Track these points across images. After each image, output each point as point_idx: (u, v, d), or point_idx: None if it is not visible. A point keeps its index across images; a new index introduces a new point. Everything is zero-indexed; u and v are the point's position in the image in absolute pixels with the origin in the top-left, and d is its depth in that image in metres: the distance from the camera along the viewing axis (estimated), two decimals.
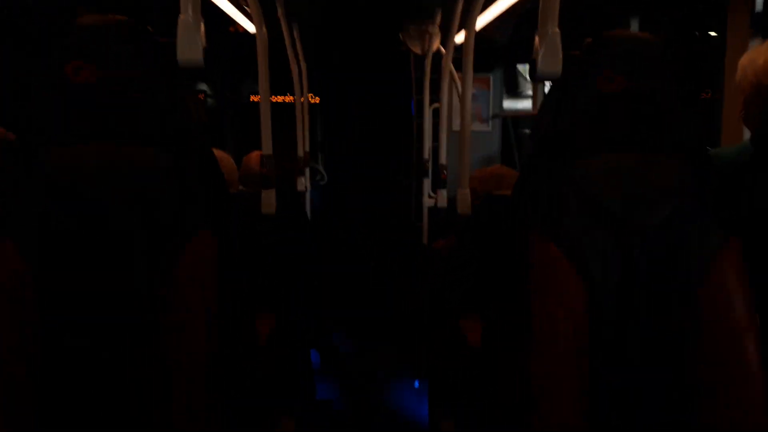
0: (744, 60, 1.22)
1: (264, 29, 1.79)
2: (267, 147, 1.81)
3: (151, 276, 0.96)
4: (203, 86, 5.12)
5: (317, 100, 5.35)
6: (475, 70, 4.55)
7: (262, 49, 1.79)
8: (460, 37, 2.68)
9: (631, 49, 1.05)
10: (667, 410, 1.01)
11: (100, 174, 0.97)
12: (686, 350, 1.00)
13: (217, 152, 1.94)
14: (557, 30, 1.05)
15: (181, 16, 1.01)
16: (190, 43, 1.00)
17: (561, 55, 1.04)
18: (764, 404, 0.98)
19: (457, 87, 3.11)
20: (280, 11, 2.65)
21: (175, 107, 1.00)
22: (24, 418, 0.94)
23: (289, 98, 5.59)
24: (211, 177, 1.02)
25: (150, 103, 0.99)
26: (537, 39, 1.05)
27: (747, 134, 1.29)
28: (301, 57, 3.47)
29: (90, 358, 0.97)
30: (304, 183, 3.22)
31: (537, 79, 1.07)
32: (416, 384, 2.93)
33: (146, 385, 0.97)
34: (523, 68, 4.65)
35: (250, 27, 3.21)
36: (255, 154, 2.57)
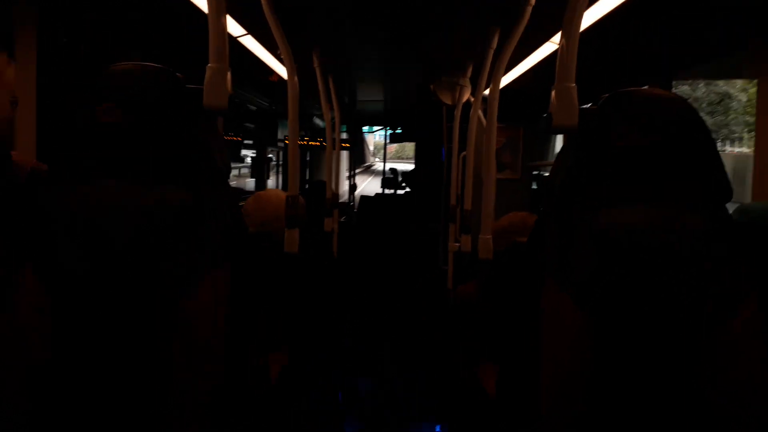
0: None
1: (295, 78, 1.88)
2: (293, 188, 1.86)
3: (162, 313, 0.98)
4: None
5: (348, 144, 5.46)
6: (508, 120, 4.61)
7: (293, 96, 1.87)
8: (489, 90, 2.74)
9: (647, 105, 1.06)
10: None
11: (117, 211, 1.01)
12: (694, 401, 0.97)
13: (273, 191, 2.01)
14: (573, 84, 1.07)
15: (210, 65, 1.08)
16: (217, 89, 1.06)
17: (577, 109, 1.06)
18: None
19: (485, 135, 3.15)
20: (315, 62, 2.77)
21: (197, 149, 1.05)
22: None
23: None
24: (228, 217, 1.05)
25: (172, 144, 1.04)
26: (553, 93, 1.08)
27: None
28: (335, 104, 3.59)
29: (99, 394, 0.99)
30: (331, 224, 3.27)
31: (552, 132, 1.09)
32: (437, 429, 2.88)
33: (154, 422, 0.98)
34: None
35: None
36: (275, 193, 2.65)
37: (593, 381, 0.97)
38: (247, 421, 1.12)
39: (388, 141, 7.90)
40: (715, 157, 1.05)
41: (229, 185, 1.11)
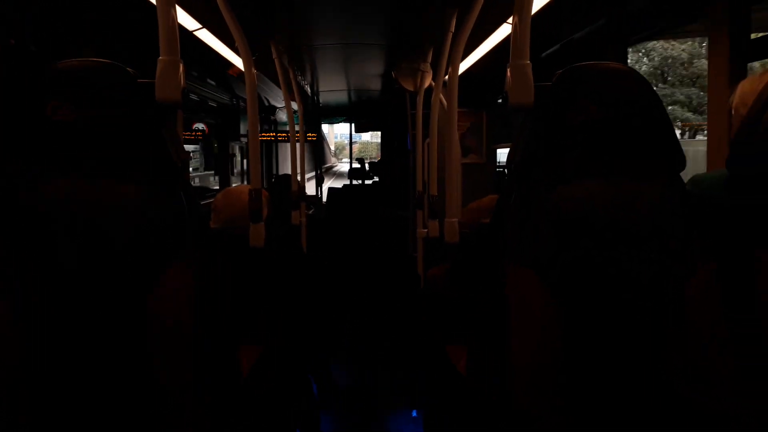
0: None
1: (253, 70, 1.85)
2: (255, 182, 1.84)
3: (128, 307, 0.97)
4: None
5: (314, 137, 5.43)
6: (469, 105, 4.62)
7: (250, 88, 1.84)
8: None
9: (602, 79, 1.08)
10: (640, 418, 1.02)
11: (75, 208, 1.00)
12: (656, 368, 1.00)
13: (243, 187, 1.98)
14: (528, 62, 1.08)
15: (161, 58, 1.05)
16: (169, 82, 1.04)
17: (532, 86, 1.08)
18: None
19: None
20: (274, 53, 2.74)
21: (152, 144, 1.03)
22: None
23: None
24: (187, 211, 1.04)
25: (126, 140, 1.02)
26: (508, 71, 1.09)
27: None
28: (297, 96, 3.55)
29: (73, 393, 0.98)
30: (298, 217, 3.26)
31: (509, 110, 1.10)
32: (414, 413, 2.90)
33: (131, 415, 0.97)
34: None
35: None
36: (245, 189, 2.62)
37: (561, 357, 0.99)
38: (218, 414, 1.11)
39: (353, 131, 7.86)
40: (668, 128, 1.08)
41: (187, 180, 1.09)
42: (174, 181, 1.04)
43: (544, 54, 3.15)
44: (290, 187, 3.25)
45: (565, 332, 1.00)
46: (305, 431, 2.44)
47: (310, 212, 5.17)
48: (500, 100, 4.65)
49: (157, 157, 1.03)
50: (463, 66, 3.47)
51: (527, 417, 0.98)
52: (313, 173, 7.86)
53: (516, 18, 1.10)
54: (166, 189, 1.02)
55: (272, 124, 6.34)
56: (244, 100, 4.84)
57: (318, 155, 7.64)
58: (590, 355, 1.01)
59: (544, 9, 2.29)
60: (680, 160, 1.07)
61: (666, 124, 1.07)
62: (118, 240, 0.98)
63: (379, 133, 7.93)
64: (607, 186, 1.06)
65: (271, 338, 1.69)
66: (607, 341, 1.02)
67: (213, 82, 4.17)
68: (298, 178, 3.34)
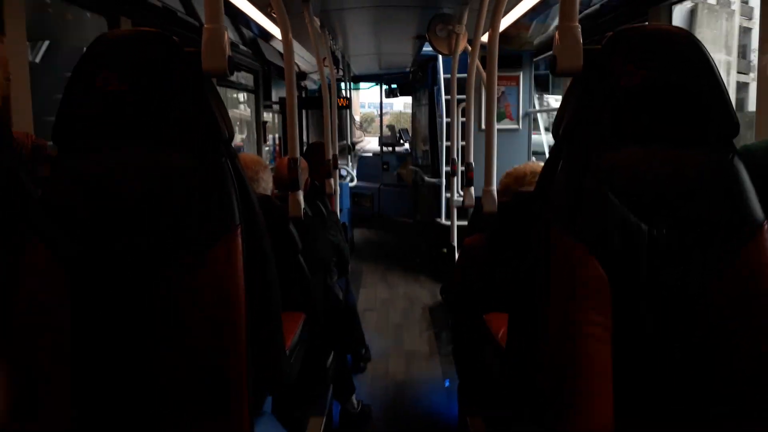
0: None
1: (290, 36, 1.83)
2: (293, 151, 1.84)
3: (178, 279, 0.99)
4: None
5: (345, 102, 5.38)
6: (504, 67, 4.50)
7: (288, 55, 1.83)
8: (486, 37, 2.67)
9: (652, 43, 1.04)
10: (689, 397, 1.01)
11: (129, 175, 1.02)
12: (712, 334, 0.99)
13: (248, 155, 1.99)
14: (577, 24, 1.04)
15: (206, 26, 1.05)
16: (215, 51, 1.04)
17: (581, 50, 1.04)
18: None
19: (483, 85, 3.10)
20: (307, 18, 2.70)
21: (201, 114, 1.04)
22: (60, 413, 0.98)
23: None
24: (234, 181, 1.05)
25: (175, 109, 1.03)
26: (557, 34, 1.05)
27: None
28: (330, 62, 3.51)
29: (119, 351, 1.01)
30: (332, 185, 3.26)
31: (557, 74, 1.07)
32: (446, 383, 2.94)
33: (172, 381, 1.00)
34: None
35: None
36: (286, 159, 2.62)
37: (607, 326, 0.98)
38: (269, 382, 1.14)
39: (383, 97, 7.73)
40: (721, 93, 1.03)
41: (232, 148, 1.10)
42: (223, 150, 1.05)
43: (582, 14, 3.03)
44: (323, 155, 3.25)
45: (614, 304, 0.98)
46: (339, 395, 2.51)
47: (346, 180, 5.18)
48: (549, 60, 4.51)
49: (205, 128, 1.04)
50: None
51: (575, 390, 0.97)
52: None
53: None
54: (214, 159, 1.03)
55: (301, 91, 6.31)
56: (276, 66, 4.81)
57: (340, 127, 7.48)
58: (638, 328, 1.00)
59: None
60: (733, 126, 1.03)
61: (718, 89, 1.03)
62: (169, 209, 1.00)
63: (411, 100, 7.81)
64: (656, 153, 1.03)
65: (312, 305, 1.72)
66: (655, 312, 1.00)
67: (245, 48, 4.16)
68: (330, 145, 3.33)
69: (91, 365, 1.00)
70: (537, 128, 5.17)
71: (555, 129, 1.11)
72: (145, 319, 1.01)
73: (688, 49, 1.03)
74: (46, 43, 2.60)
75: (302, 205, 1.83)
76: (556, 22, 3.24)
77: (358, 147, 7.85)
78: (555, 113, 1.16)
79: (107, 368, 1.02)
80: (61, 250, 0.99)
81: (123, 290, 1.01)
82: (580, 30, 1.04)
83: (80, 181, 1.02)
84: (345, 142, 5.81)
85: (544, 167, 1.15)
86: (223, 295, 0.99)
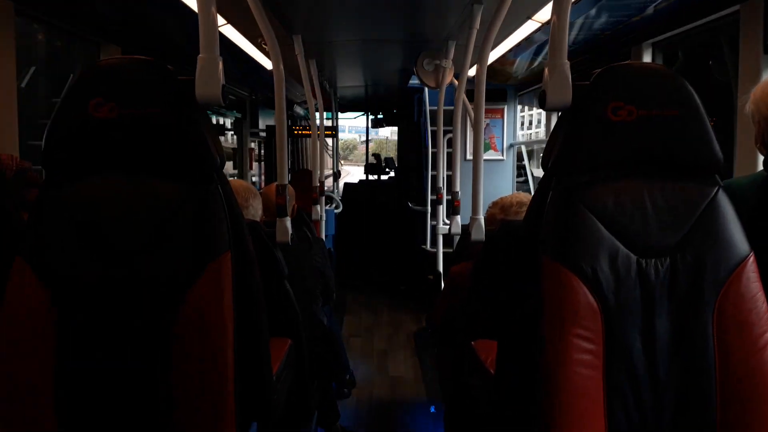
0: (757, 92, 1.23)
1: (281, 66, 1.86)
2: (282, 177, 1.86)
3: (169, 306, 0.98)
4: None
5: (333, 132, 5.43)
6: (489, 100, 4.62)
7: (278, 85, 1.85)
8: (473, 71, 2.74)
9: (640, 80, 1.07)
10: (682, 424, 1.01)
11: (118, 206, 1.01)
12: (707, 360, 1.00)
13: (238, 181, 1.99)
14: (566, 61, 1.08)
15: (201, 55, 1.06)
16: (209, 80, 1.05)
17: (570, 86, 1.07)
18: None
19: (470, 117, 3.16)
20: (297, 49, 2.74)
21: (193, 142, 1.04)
22: None
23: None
24: (224, 207, 1.05)
25: (167, 138, 1.03)
26: (546, 70, 1.09)
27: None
28: (317, 92, 3.56)
29: (104, 377, 0.99)
30: (318, 212, 3.27)
31: (547, 109, 1.10)
32: (432, 409, 2.91)
33: (159, 408, 0.98)
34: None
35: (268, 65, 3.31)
36: (274, 186, 2.63)
37: (599, 354, 0.99)
38: (253, 409, 1.12)
39: (369, 125, 7.81)
40: (705, 129, 1.07)
41: (224, 175, 1.10)
42: (214, 177, 1.05)
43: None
44: (311, 181, 3.26)
45: (606, 332, 0.99)
46: (323, 421, 2.46)
47: (332, 207, 5.19)
48: (539, 95, 4.60)
49: (198, 156, 1.04)
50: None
51: (564, 418, 0.97)
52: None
53: (554, 17, 1.10)
54: (206, 187, 1.03)
55: (288, 119, 6.36)
56: (263, 95, 4.85)
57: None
58: (628, 358, 1.01)
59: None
60: (715, 161, 1.07)
61: (704, 125, 1.06)
62: (157, 237, 0.99)
63: (397, 130, 7.89)
64: (643, 186, 1.06)
65: (298, 331, 1.70)
66: (644, 344, 1.01)
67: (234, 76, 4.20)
68: (318, 173, 3.35)
69: (75, 392, 0.98)
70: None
71: (545, 161, 1.13)
72: (131, 346, 0.99)
73: (674, 87, 1.07)
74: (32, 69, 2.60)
75: (290, 231, 1.83)
76: (540, 58, 3.34)
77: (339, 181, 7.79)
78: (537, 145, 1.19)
79: (92, 395, 0.99)
80: (47, 275, 0.98)
81: (109, 317, 0.99)
82: (569, 66, 1.08)
83: (68, 210, 1.01)
84: (337, 168, 5.85)
85: (533, 198, 1.17)
86: (211, 320, 0.98)
